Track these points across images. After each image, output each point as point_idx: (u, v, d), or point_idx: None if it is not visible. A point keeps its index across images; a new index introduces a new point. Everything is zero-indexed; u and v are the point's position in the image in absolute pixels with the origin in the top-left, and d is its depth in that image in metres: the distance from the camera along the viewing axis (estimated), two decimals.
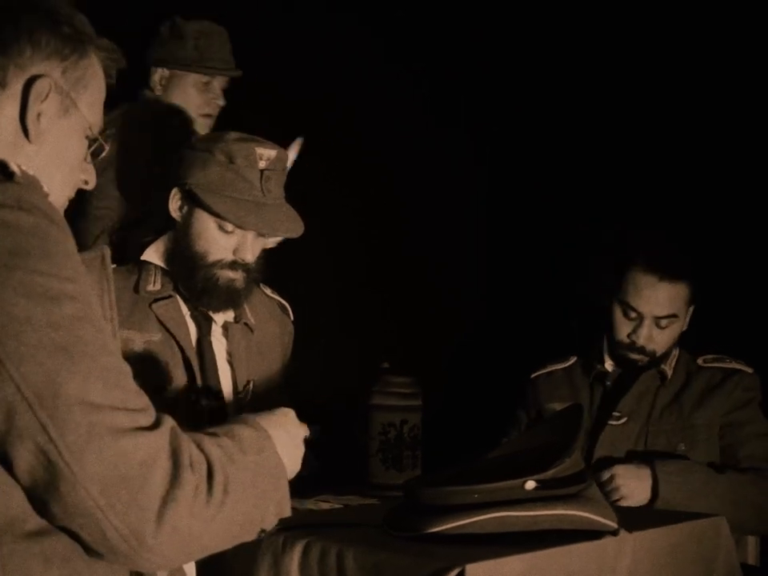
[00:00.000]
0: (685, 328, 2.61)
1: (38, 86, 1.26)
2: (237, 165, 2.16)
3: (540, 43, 3.40)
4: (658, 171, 3.22)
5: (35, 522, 1.14)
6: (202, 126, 2.91)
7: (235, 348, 2.27)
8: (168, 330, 2.18)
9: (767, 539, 2.62)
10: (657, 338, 2.53)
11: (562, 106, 3.33)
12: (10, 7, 1.27)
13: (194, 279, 2.20)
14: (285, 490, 1.30)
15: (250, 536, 1.26)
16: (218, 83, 2.96)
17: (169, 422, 1.18)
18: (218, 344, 2.26)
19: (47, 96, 1.27)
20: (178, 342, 2.18)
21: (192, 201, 2.20)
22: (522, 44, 3.41)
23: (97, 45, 1.33)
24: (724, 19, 3.09)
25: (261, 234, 2.22)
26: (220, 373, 2.23)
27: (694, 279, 2.54)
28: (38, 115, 1.27)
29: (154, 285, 2.22)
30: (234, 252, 2.20)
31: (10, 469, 1.11)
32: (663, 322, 2.51)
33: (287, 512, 1.31)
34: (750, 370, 2.56)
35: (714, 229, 3.07)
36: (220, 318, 2.27)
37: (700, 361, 2.61)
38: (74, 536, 1.14)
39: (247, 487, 1.22)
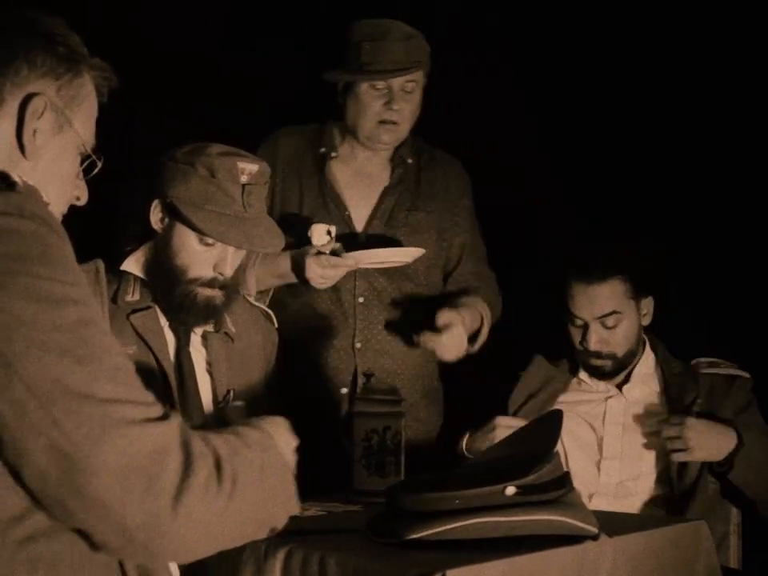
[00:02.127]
0: (646, 322, 2.66)
1: (34, 104, 1.30)
2: (218, 179, 2.16)
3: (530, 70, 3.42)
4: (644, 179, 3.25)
5: (23, 527, 1.15)
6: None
7: (215, 357, 2.27)
8: (145, 342, 2.18)
9: (749, 542, 2.63)
10: (610, 340, 2.58)
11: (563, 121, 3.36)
12: (7, 27, 1.31)
13: (172, 294, 2.19)
14: (292, 488, 1.32)
15: (261, 533, 1.28)
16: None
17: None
18: (198, 354, 2.26)
19: (42, 113, 1.30)
20: (154, 354, 2.18)
21: (173, 214, 2.20)
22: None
23: (90, 64, 1.37)
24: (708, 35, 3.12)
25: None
26: (200, 383, 2.23)
27: (632, 272, 2.59)
28: (34, 132, 1.30)
29: (133, 295, 2.22)
30: (215, 267, 2.20)
31: (11, 472, 1.13)
32: (608, 321, 2.56)
33: (296, 509, 1.33)
34: (746, 375, 2.62)
35: (701, 235, 3.10)
36: (199, 328, 2.27)
37: (695, 365, 2.65)
38: (85, 535, 1.15)
39: (255, 481, 1.24)
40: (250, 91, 3.26)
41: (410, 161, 2.84)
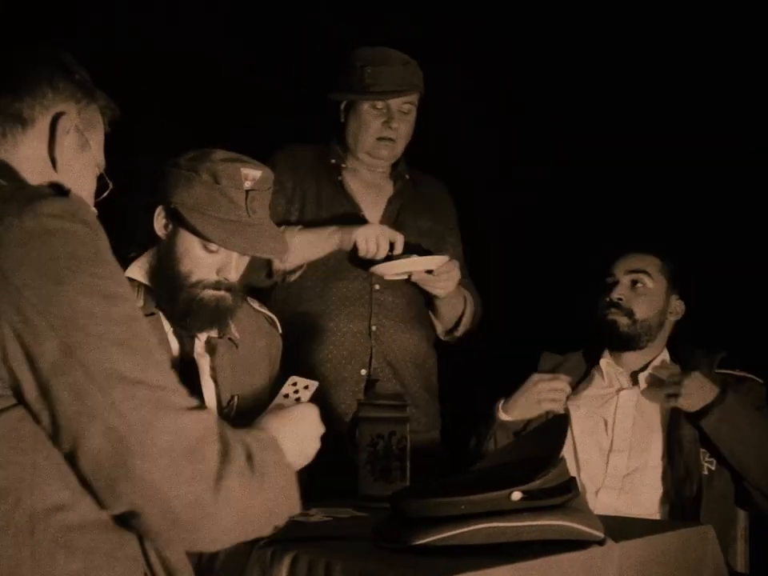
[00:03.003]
0: (672, 319, 2.76)
1: (63, 122, 1.44)
2: (222, 185, 2.17)
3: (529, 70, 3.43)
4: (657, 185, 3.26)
5: (65, 516, 1.24)
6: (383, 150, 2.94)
7: (219, 363, 2.27)
8: None
9: (756, 546, 2.63)
10: (632, 297, 2.74)
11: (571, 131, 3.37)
12: (31, 59, 1.46)
13: (176, 300, 2.20)
14: (296, 490, 1.40)
15: (267, 528, 1.36)
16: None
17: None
18: (202, 360, 2.26)
19: (69, 132, 1.45)
20: None
21: (177, 220, 2.20)
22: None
23: (98, 95, 1.52)
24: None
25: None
26: (204, 389, 2.23)
27: (671, 259, 2.78)
28: (63, 149, 1.44)
29: (137, 302, 2.22)
30: (218, 272, 2.20)
31: (66, 458, 1.22)
32: (637, 278, 2.74)
33: (298, 509, 1.40)
34: (760, 381, 2.67)
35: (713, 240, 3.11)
36: (203, 334, 2.28)
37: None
38: (134, 518, 1.23)
39: (272, 476, 1.33)
40: (253, 100, 3.27)
41: (407, 176, 3.05)
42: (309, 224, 2.84)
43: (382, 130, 2.91)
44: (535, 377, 2.62)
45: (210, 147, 2.23)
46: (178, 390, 1.27)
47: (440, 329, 3.02)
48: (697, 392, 2.52)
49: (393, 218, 2.95)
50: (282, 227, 2.73)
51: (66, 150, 1.44)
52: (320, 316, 2.84)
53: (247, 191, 2.19)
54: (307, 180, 2.93)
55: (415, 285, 2.86)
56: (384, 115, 2.90)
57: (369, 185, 3.00)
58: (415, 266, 2.76)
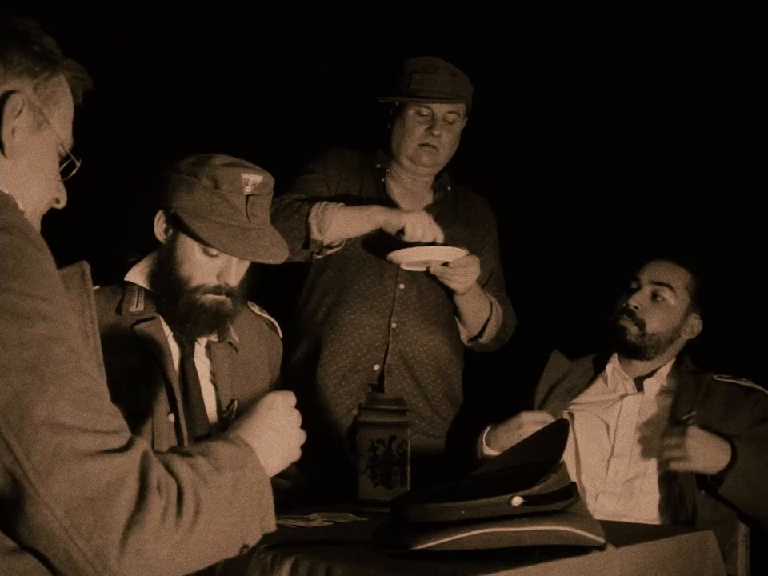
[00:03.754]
0: (686, 336, 2.73)
1: (12, 102, 1.29)
2: (222, 190, 2.17)
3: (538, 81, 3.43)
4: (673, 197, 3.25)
5: (5, 539, 1.14)
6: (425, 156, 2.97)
7: (219, 368, 2.27)
8: (149, 352, 2.19)
9: (756, 552, 2.63)
10: (648, 309, 2.70)
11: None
12: None
13: (177, 304, 2.20)
14: (269, 505, 1.31)
15: (230, 553, 1.26)
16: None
17: (141, 445, 1.18)
18: (202, 364, 2.27)
19: (20, 111, 1.30)
20: (158, 364, 2.18)
21: (177, 225, 2.20)
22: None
23: (65, 65, 1.37)
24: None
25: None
26: (204, 393, 2.24)
27: (700, 276, 2.73)
28: (12, 130, 1.30)
29: (137, 306, 2.23)
30: (218, 276, 2.21)
31: None
32: (659, 291, 2.69)
33: (272, 526, 1.31)
34: (766, 391, 2.67)
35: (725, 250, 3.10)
36: (203, 339, 2.28)
37: (714, 376, 2.70)
38: (41, 557, 1.14)
39: (223, 507, 1.22)
40: (255, 105, 3.27)
41: (449, 188, 3.08)
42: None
43: (424, 136, 2.94)
44: (522, 417, 2.58)
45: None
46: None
47: (464, 334, 3.03)
48: (704, 452, 2.40)
49: None
50: (324, 202, 2.76)
51: (17, 132, 1.29)
52: (342, 307, 2.86)
53: (247, 196, 2.19)
54: (352, 179, 2.98)
55: (446, 288, 2.89)
56: (428, 122, 2.94)
57: (409, 192, 3.03)
58: (432, 254, 2.77)
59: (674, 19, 3.23)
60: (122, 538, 1.11)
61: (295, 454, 1.46)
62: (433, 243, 2.78)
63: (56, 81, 1.35)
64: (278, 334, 2.49)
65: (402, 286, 2.89)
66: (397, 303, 2.88)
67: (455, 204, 3.08)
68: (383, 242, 2.82)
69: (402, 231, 2.75)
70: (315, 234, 2.74)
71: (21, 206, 1.24)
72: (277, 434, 1.41)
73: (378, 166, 3.04)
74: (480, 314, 2.97)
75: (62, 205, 1.41)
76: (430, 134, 2.93)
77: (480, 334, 3.00)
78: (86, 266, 1.37)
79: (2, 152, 1.29)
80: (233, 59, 3.29)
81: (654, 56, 3.28)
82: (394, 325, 2.87)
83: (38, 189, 1.34)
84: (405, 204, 2.99)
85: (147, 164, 2.42)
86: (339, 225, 2.75)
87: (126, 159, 2.76)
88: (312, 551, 1.71)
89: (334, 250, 2.83)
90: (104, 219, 2.52)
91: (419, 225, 2.75)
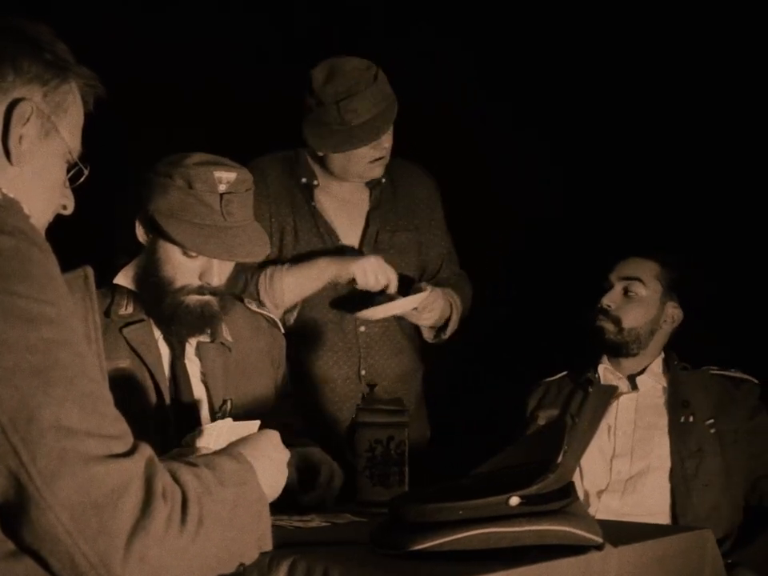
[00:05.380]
0: (667, 328, 2.74)
1: (20, 109, 1.29)
2: (196, 189, 2.16)
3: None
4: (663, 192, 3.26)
5: (6, 543, 1.14)
6: (374, 172, 2.83)
7: (210, 368, 2.26)
8: (138, 355, 2.18)
9: None
10: (622, 305, 2.71)
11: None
12: None
13: (162, 306, 2.20)
14: (267, 524, 1.31)
15: (228, 569, 1.25)
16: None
17: (146, 450, 1.18)
18: (192, 365, 2.26)
19: (29, 119, 1.30)
20: (148, 367, 2.18)
21: (154, 227, 2.20)
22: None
23: (76, 72, 1.37)
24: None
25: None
26: (196, 394, 2.23)
27: (671, 267, 2.74)
28: (20, 138, 1.29)
29: (126, 309, 2.22)
30: (200, 277, 2.20)
31: None
32: (630, 286, 2.71)
33: (268, 545, 1.31)
34: (755, 380, 2.70)
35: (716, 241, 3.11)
36: (194, 339, 2.27)
37: (707, 371, 2.73)
38: (44, 562, 1.13)
39: (224, 520, 1.22)
40: (255, 105, 3.27)
41: (383, 180, 2.91)
42: (292, 260, 2.78)
43: (373, 154, 2.78)
44: None
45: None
46: (100, 432, 1.14)
47: (427, 334, 2.96)
48: None
49: (371, 240, 2.88)
50: (267, 271, 2.69)
51: (25, 139, 1.29)
52: (312, 362, 2.81)
53: (222, 194, 2.17)
54: (282, 209, 2.84)
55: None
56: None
57: (344, 202, 2.90)
58: (400, 308, 2.71)
59: (674, 21, 3.23)
60: (127, 543, 1.11)
61: (278, 490, 1.45)
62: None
63: (66, 88, 1.35)
64: (279, 329, 2.48)
65: (362, 329, 2.83)
66: (362, 349, 2.83)
67: (393, 195, 2.93)
68: (339, 294, 2.77)
69: (353, 280, 2.68)
70: (272, 310, 2.66)
71: (26, 211, 1.24)
72: (272, 464, 1.42)
73: (304, 180, 2.87)
74: (443, 318, 2.89)
75: (69, 211, 1.41)
76: (380, 149, 2.78)
77: (442, 331, 2.93)
78: (90, 271, 1.38)
79: (9, 159, 1.29)
80: (233, 59, 3.29)
81: (642, 57, 3.28)
82: (363, 372, 2.83)
83: (44, 195, 1.34)
84: (341, 220, 2.87)
85: (147, 164, 2.42)
86: (292, 292, 2.70)
87: (126, 159, 2.76)
88: (310, 552, 1.71)
89: (295, 313, 2.77)
90: (102, 220, 2.52)
91: (369, 271, 2.67)
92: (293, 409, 2.44)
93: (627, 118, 3.31)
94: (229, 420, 1.76)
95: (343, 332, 2.81)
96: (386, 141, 2.78)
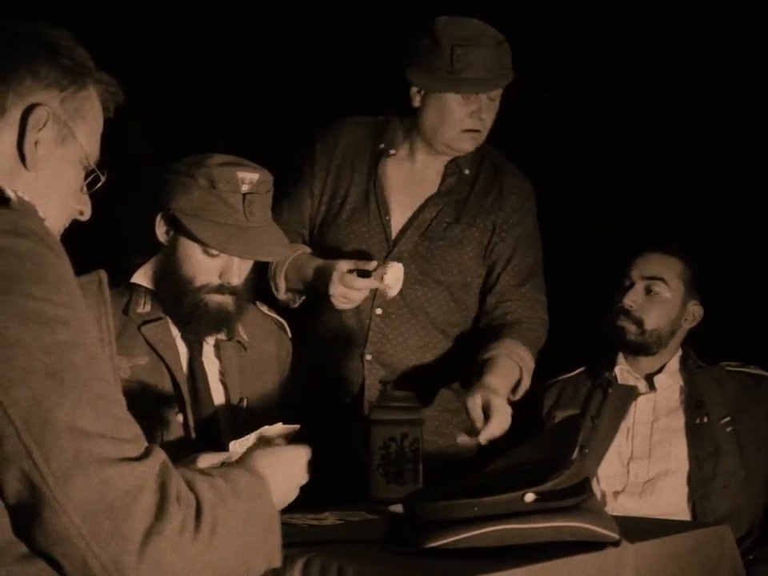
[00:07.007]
0: (687, 326, 2.71)
1: (36, 115, 1.29)
2: (219, 189, 2.17)
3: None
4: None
5: (19, 546, 1.13)
6: (464, 144, 2.62)
7: (227, 366, 2.27)
8: (157, 353, 2.19)
9: None
10: (644, 306, 2.67)
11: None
12: (12, 38, 1.31)
13: (181, 305, 2.21)
14: (276, 540, 1.30)
15: None
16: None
17: (160, 455, 1.17)
18: (210, 364, 2.27)
19: (45, 124, 1.30)
20: (167, 365, 2.19)
21: (176, 226, 2.21)
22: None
23: (96, 78, 1.37)
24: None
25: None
26: (213, 393, 2.24)
27: (694, 264, 2.70)
28: (36, 143, 1.30)
29: (144, 307, 2.24)
30: (221, 276, 2.21)
31: (1, 493, 1.12)
32: (653, 286, 2.66)
33: (277, 562, 1.30)
34: None
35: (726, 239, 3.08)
36: (211, 338, 2.28)
37: (725, 367, 2.69)
38: (56, 564, 1.13)
39: (237, 532, 1.21)
40: (257, 104, 3.26)
41: (466, 171, 2.72)
42: (325, 238, 2.66)
43: (468, 122, 2.57)
44: None
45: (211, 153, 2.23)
46: (115, 434, 1.13)
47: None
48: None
49: (422, 226, 2.66)
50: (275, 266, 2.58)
51: (40, 145, 1.30)
52: (316, 337, 2.69)
53: (244, 194, 2.18)
54: (343, 172, 2.69)
55: (433, 312, 2.63)
56: (473, 104, 2.57)
57: (413, 178, 2.70)
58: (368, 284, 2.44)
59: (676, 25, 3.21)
60: (140, 546, 1.11)
61: (286, 503, 1.47)
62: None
63: (84, 94, 1.35)
64: (286, 333, 2.49)
65: (378, 311, 2.62)
66: (372, 332, 2.63)
67: (468, 191, 2.70)
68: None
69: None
70: (281, 296, 2.60)
71: (41, 214, 1.25)
72: (285, 482, 1.43)
73: (382, 146, 2.70)
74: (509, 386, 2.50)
75: (85, 217, 1.41)
76: (477, 119, 2.57)
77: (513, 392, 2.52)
78: (103, 275, 1.40)
79: (24, 164, 1.29)
80: (234, 58, 3.28)
81: (678, 50, 3.25)
82: (368, 357, 2.62)
83: (59, 200, 1.35)
84: (399, 195, 2.68)
85: (148, 164, 2.42)
86: (290, 283, 2.58)
87: (127, 159, 2.76)
88: (324, 550, 1.71)
89: (298, 300, 2.63)
90: (103, 219, 2.52)
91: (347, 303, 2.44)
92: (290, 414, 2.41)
93: (651, 113, 3.28)
94: (279, 425, 1.77)
95: (357, 309, 2.59)
96: (486, 112, 2.58)
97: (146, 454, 1.16)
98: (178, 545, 1.13)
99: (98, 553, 1.10)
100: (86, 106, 1.35)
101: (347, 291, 2.39)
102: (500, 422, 2.28)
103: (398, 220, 2.69)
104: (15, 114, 1.29)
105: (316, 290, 2.52)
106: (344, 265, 2.41)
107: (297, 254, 2.58)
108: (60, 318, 1.13)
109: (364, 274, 2.41)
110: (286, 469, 1.43)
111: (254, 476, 1.30)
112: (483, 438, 2.26)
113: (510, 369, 2.48)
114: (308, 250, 2.63)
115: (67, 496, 1.09)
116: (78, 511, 1.09)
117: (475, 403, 2.29)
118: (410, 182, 2.71)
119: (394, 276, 2.38)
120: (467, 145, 2.62)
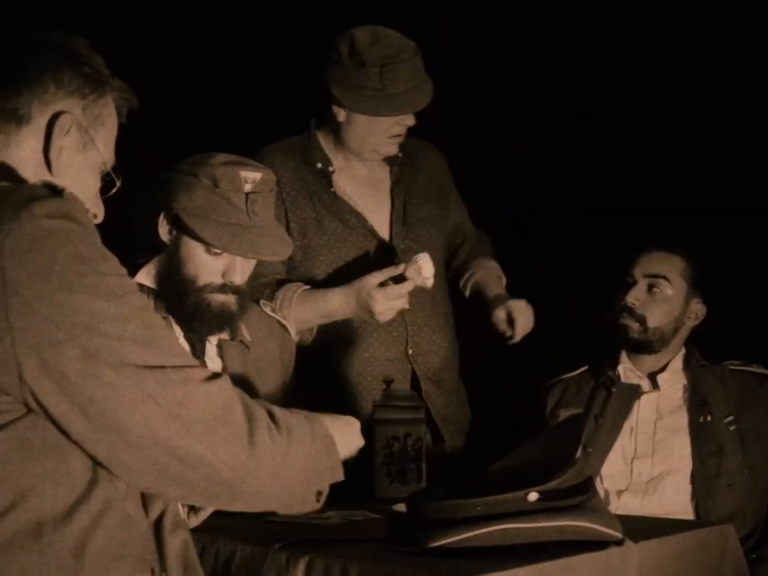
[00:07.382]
0: (690, 324, 2.70)
1: (61, 122, 1.35)
2: (222, 189, 2.18)
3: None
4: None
5: (74, 519, 1.24)
6: (391, 148, 2.72)
7: (230, 365, 2.28)
8: None
9: None
10: (647, 303, 2.66)
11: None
12: (36, 47, 1.37)
13: (184, 304, 2.21)
14: (337, 456, 1.43)
15: (309, 491, 1.39)
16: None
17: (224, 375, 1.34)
18: (213, 363, 2.27)
19: (69, 131, 1.36)
20: None
21: (179, 225, 2.21)
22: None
23: (112, 86, 1.43)
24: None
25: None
26: None
27: (696, 262, 2.69)
28: (60, 149, 1.36)
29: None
30: (223, 275, 2.21)
31: (105, 456, 1.25)
32: (655, 284, 2.65)
33: (341, 475, 1.44)
34: None
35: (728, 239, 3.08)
36: (214, 337, 2.28)
37: (729, 366, 2.68)
38: (124, 524, 1.29)
39: (307, 438, 1.37)
40: (257, 104, 3.26)
41: (399, 155, 2.80)
42: (318, 265, 2.68)
43: (395, 129, 2.67)
44: None
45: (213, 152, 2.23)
46: (196, 363, 1.31)
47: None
48: None
49: (401, 215, 2.77)
50: (281, 294, 2.57)
51: (64, 151, 1.36)
52: (357, 345, 2.71)
53: (247, 194, 2.19)
54: (300, 201, 2.72)
55: (435, 288, 2.65)
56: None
57: (364, 181, 2.79)
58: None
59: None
60: (249, 444, 1.28)
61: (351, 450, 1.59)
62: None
63: (103, 102, 1.40)
64: (289, 333, 2.49)
65: (407, 306, 2.59)
66: (409, 326, 2.71)
67: (411, 169, 2.83)
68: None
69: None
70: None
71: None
72: (344, 431, 1.55)
73: (320, 166, 2.74)
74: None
75: (99, 220, 1.45)
76: (403, 125, 2.67)
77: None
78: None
79: (49, 170, 1.35)
80: (234, 58, 3.28)
81: (678, 45, 3.25)
82: (411, 351, 2.72)
83: None
84: (365, 200, 2.75)
85: (148, 164, 2.42)
86: (300, 323, 2.56)
87: (127, 158, 2.76)
88: (327, 550, 1.71)
89: (311, 337, 2.63)
90: (105, 219, 2.52)
91: (389, 313, 2.49)
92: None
93: (653, 113, 3.28)
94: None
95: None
96: (411, 120, 2.67)
97: (218, 375, 1.32)
98: (272, 440, 1.31)
99: (222, 456, 1.26)
100: (105, 113, 1.41)
101: (392, 303, 2.46)
102: (525, 320, 2.66)
103: (378, 221, 2.77)
104: (40, 122, 1.34)
105: (342, 316, 2.57)
106: (372, 280, 2.47)
107: (296, 295, 2.57)
108: (127, 288, 1.27)
109: (398, 279, 2.47)
110: (343, 426, 1.55)
111: (307, 416, 1.43)
112: (518, 337, 2.66)
113: (498, 279, 2.84)
114: (303, 285, 2.61)
115: (189, 416, 1.25)
116: (199, 425, 1.25)
117: (499, 317, 2.68)
118: (365, 185, 2.80)
119: (428, 266, 2.46)
120: (394, 148, 2.74)
